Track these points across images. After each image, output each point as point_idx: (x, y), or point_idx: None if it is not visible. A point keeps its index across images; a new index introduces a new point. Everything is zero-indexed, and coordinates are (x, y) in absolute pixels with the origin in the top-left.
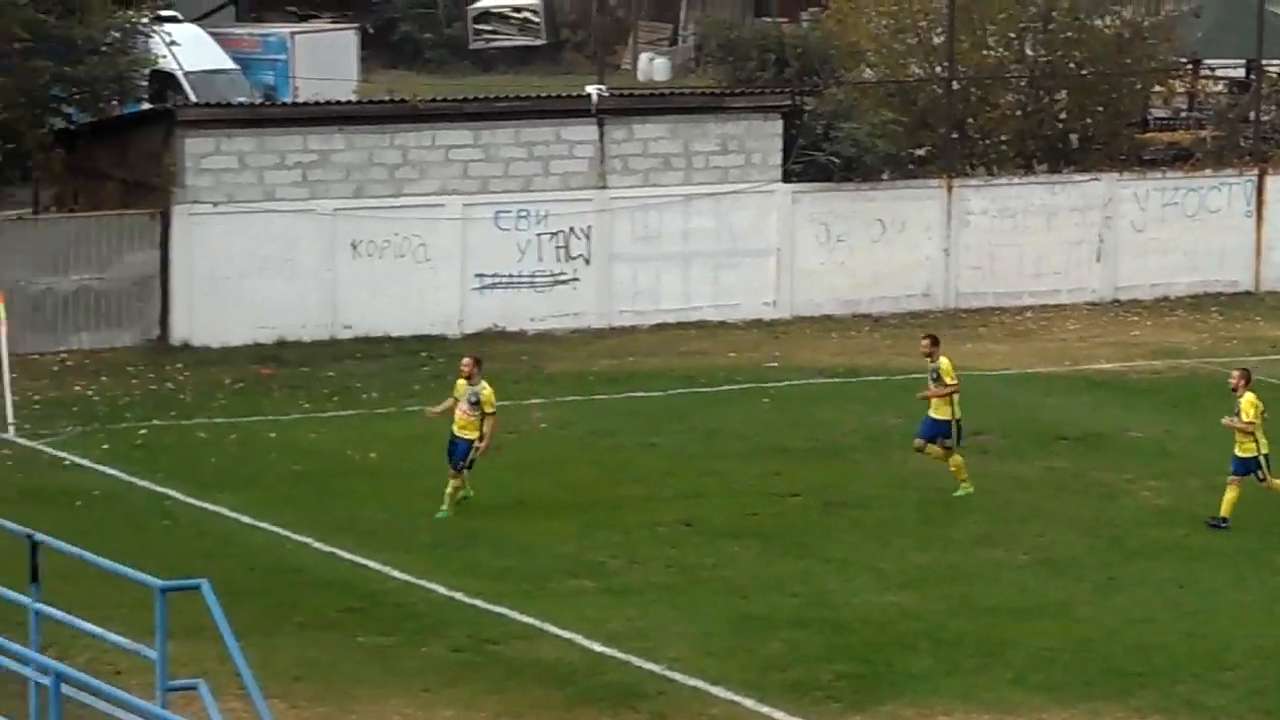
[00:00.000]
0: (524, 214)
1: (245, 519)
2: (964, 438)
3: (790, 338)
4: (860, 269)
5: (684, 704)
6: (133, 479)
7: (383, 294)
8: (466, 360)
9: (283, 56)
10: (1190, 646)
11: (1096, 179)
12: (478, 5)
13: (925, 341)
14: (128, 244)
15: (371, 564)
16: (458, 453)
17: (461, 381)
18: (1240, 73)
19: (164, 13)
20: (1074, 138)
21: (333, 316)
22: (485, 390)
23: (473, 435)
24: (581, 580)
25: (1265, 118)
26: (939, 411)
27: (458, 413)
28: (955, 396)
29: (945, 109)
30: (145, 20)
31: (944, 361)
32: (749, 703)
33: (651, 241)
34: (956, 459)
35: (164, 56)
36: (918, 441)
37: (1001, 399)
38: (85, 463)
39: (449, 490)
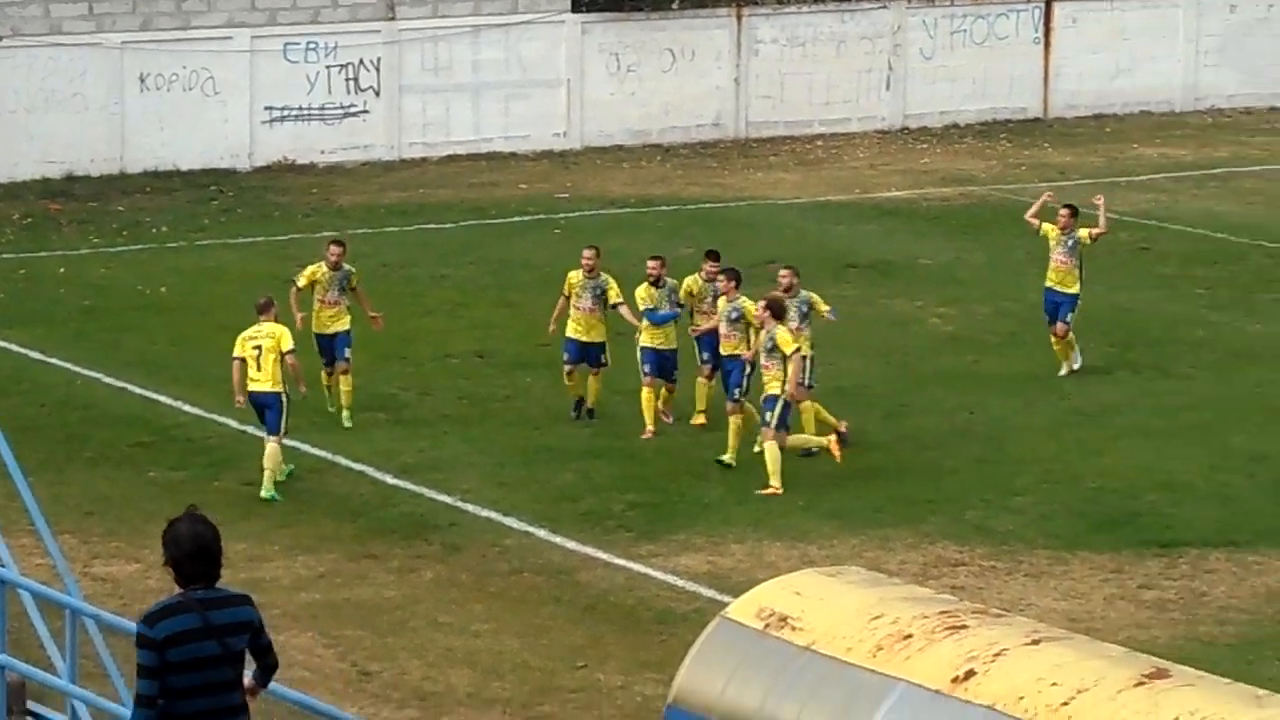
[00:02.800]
0: (313, 46)
1: (35, 355)
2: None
3: (581, 169)
4: (651, 99)
5: (477, 535)
6: None
7: (171, 128)
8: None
9: None
10: (980, 472)
11: (885, 7)
12: None
13: None
14: None
15: (163, 399)
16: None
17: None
18: None
19: None
20: None
21: (121, 151)
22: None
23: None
24: (374, 413)
25: None
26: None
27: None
28: None
29: None
30: None
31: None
32: (541, 533)
33: (441, 73)
34: None
35: None
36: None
37: (792, 227)
38: None
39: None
